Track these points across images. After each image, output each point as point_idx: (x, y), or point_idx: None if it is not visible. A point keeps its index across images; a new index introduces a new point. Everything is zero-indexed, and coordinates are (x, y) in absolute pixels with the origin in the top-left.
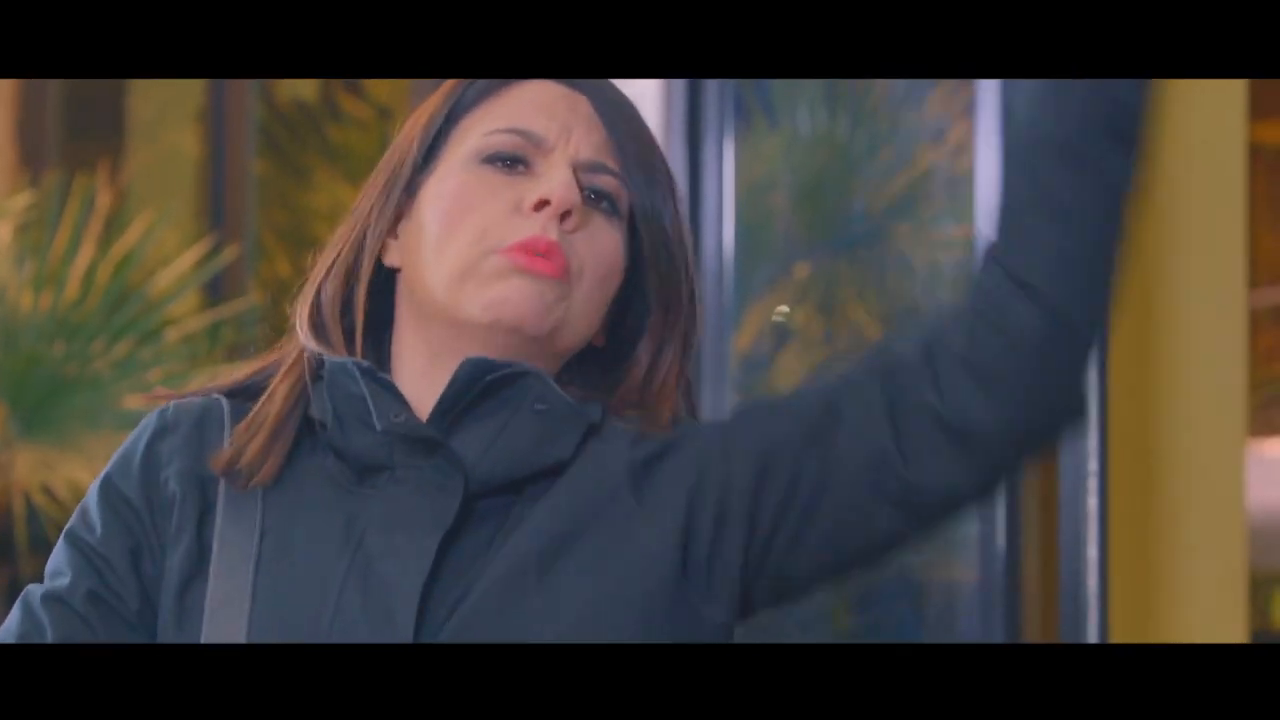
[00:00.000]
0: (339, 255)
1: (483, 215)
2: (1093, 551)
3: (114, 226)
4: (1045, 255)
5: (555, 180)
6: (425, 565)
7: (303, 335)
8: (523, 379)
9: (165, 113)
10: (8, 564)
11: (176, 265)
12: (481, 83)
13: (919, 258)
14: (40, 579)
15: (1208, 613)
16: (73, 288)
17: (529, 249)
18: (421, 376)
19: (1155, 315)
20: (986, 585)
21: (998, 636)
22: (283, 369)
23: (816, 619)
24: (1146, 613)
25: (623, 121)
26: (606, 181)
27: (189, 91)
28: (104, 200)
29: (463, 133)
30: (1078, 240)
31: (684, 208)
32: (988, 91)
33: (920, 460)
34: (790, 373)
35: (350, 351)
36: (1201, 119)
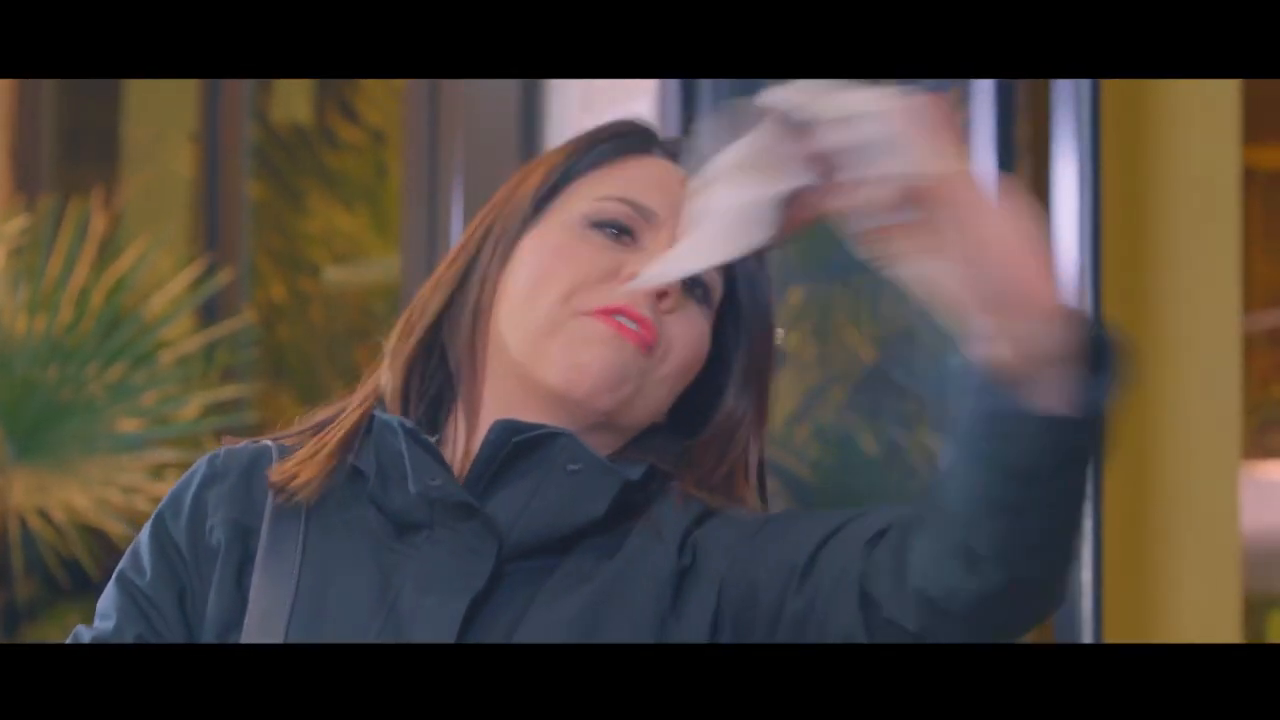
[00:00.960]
0: (448, 302)
1: (577, 274)
2: (1086, 574)
3: (108, 250)
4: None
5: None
6: (454, 630)
7: (390, 380)
8: (554, 440)
9: (159, 137)
10: (4, 587)
11: (170, 288)
12: (601, 148)
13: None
14: (35, 602)
15: (1202, 636)
16: (67, 311)
17: (618, 313)
18: (481, 430)
19: (1150, 339)
20: None
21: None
22: (358, 404)
23: None
24: (1140, 635)
25: None
26: (706, 271)
27: (183, 116)
28: (98, 224)
29: (573, 194)
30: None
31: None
32: (981, 114)
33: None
34: (784, 396)
35: (452, 398)
36: (1196, 143)
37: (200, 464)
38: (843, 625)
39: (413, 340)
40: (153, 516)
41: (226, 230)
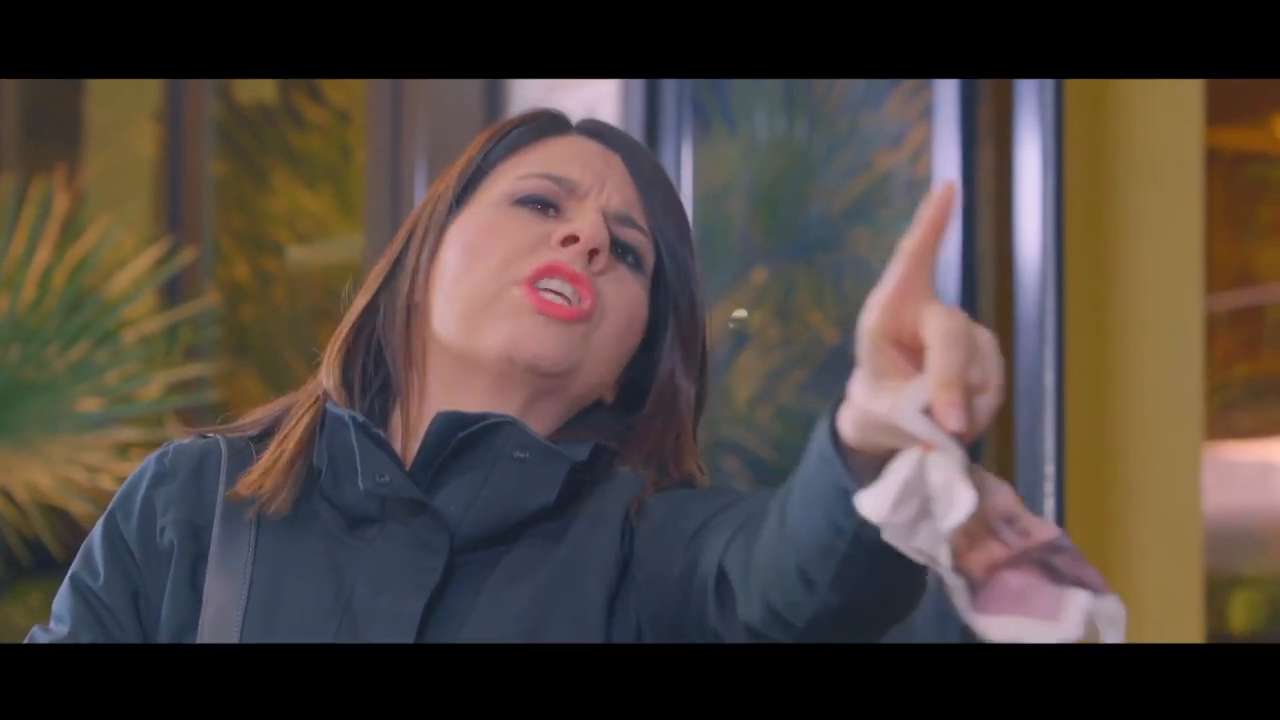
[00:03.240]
0: (375, 299)
1: (508, 247)
2: None
3: (71, 229)
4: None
5: (585, 220)
6: (412, 630)
7: (328, 378)
8: (498, 429)
9: (123, 116)
10: None
11: (133, 267)
12: (518, 131)
13: (876, 262)
14: None
15: (1164, 616)
16: (29, 291)
17: (552, 273)
18: (434, 409)
19: (1112, 319)
20: (943, 586)
21: (954, 639)
22: (306, 404)
23: None
24: None
25: (654, 184)
26: (634, 236)
27: (146, 94)
28: (61, 203)
29: (496, 178)
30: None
31: (701, 271)
32: (944, 99)
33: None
34: (747, 376)
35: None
36: (1158, 124)
37: (149, 462)
38: (702, 608)
39: (342, 340)
40: (104, 516)
41: (189, 209)
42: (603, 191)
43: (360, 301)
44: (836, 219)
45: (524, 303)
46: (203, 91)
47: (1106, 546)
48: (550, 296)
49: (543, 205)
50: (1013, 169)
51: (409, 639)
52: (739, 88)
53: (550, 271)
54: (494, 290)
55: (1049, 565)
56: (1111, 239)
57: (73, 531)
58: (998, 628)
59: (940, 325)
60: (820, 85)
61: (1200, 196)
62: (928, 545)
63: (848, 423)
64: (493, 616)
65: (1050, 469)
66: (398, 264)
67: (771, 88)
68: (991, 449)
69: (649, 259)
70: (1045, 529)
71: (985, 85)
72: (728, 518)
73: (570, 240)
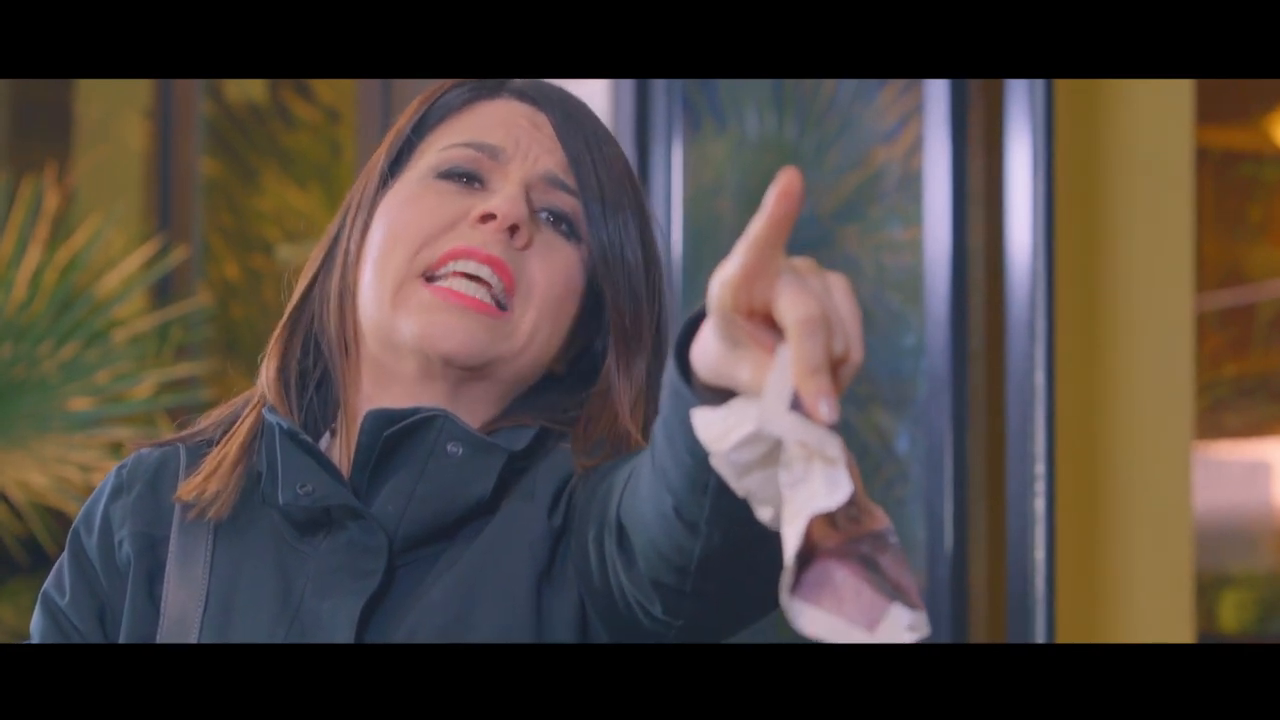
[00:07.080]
0: (312, 285)
1: (425, 229)
2: (1040, 553)
3: (61, 228)
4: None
5: (504, 194)
6: (349, 633)
7: (265, 372)
8: (430, 422)
9: (113, 114)
10: None
11: (124, 266)
12: (447, 99)
13: (867, 260)
14: None
15: (1154, 615)
16: (20, 290)
17: (463, 256)
18: (367, 401)
19: (1103, 318)
20: (934, 587)
21: (945, 638)
22: (251, 405)
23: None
24: (1093, 615)
25: (587, 146)
26: (564, 201)
27: (137, 92)
28: (51, 202)
29: (425, 148)
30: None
31: (659, 234)
32: (935, 97)
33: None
34: None
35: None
36: (1148, 123)
37: (109, 476)
38: (613, 566)
39: (281, 330)
40: (70, 533)
41: (179, 208)
42: (528, 156)
43: (299, 288)
44: (826, 217)
45: (434, 299)
46: (193, 90)
47: (1097, 546)
48: (459, 285)
49: (467, 178)
50: (1003, 168)
51: (348, 643)
52: (729, 85)
53: (459, 255)
54: (409, 274)
55: (873, 563)
56: (1101, 238)
57: (66, 530)
58: (810, 619)
59: (795, 312)
60: (810, 82)
61: (1190, 196)
62: (758, 491)
63: (701, 366)
64: (425, 611)
65: (1041, 468)
66: (334, 246)
67: (761, 85)
68: (982, 448)
69: (583, 223)
70: (876, 519)
71: (976, 84)
72: (626, 470)
73: (488, 218)
